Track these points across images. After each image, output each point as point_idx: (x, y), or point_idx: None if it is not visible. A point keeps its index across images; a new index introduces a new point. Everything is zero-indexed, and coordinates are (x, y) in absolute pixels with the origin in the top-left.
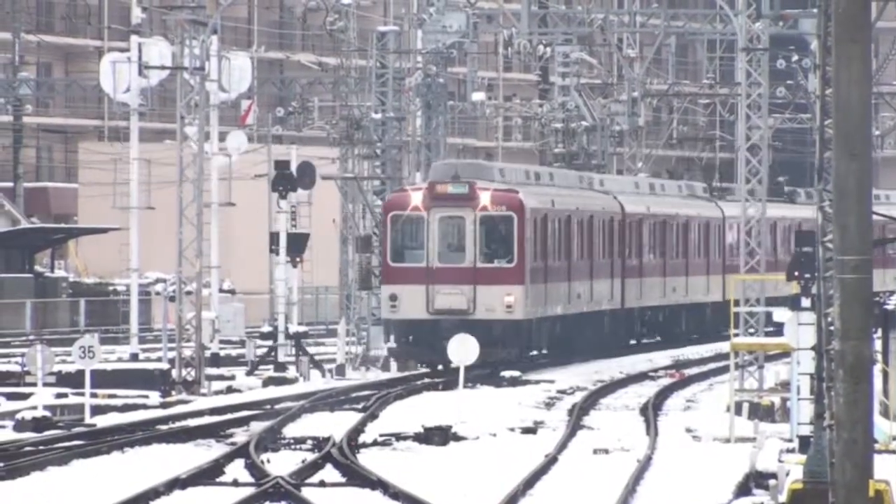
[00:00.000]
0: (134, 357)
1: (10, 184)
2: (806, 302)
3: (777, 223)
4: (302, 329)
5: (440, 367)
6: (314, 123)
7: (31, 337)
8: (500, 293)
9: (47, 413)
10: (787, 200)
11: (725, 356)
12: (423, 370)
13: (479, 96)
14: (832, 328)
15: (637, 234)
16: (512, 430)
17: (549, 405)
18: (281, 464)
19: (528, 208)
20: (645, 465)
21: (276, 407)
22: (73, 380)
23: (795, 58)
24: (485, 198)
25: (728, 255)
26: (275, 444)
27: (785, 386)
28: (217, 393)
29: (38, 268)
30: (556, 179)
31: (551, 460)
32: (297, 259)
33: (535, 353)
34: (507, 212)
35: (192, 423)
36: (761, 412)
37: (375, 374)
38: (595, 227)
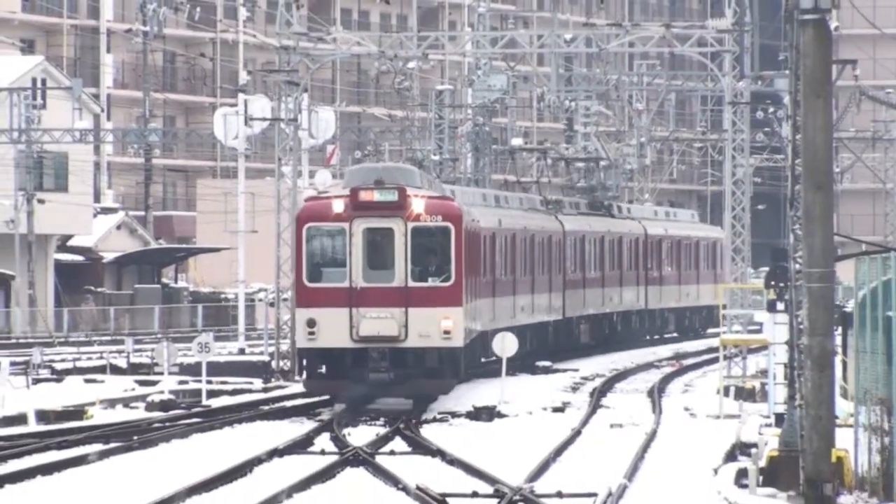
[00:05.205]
0: (241, 351)
1: (142, 213)
2: (780, 305)
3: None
4: None
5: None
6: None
7: (159, 335)
8: (437, 317)
9: (172, 396)
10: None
11: (716, 350)
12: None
13: (517, 141)
14: (801, 327)
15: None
16: (545, 409)
17: (574, 389)
18: (359, 437)
19: (466, 218)
20: (651, 437)
21: None
22: (192, 370)
23: (772, 110)
24: (417, 206)
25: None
26: (354, 421)
27: (764, 373)
28: None
29: (164, 280)
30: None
31: (576, 433)
32: None
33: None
34: (444, 222)
35: (287, 404)
36: (745, 394)
37: None
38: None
